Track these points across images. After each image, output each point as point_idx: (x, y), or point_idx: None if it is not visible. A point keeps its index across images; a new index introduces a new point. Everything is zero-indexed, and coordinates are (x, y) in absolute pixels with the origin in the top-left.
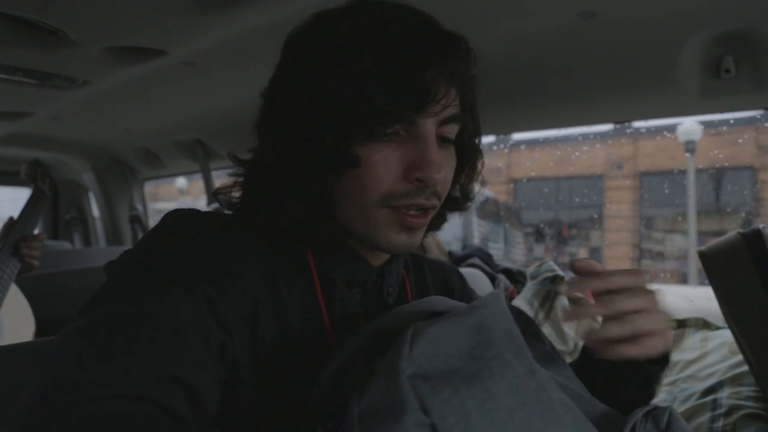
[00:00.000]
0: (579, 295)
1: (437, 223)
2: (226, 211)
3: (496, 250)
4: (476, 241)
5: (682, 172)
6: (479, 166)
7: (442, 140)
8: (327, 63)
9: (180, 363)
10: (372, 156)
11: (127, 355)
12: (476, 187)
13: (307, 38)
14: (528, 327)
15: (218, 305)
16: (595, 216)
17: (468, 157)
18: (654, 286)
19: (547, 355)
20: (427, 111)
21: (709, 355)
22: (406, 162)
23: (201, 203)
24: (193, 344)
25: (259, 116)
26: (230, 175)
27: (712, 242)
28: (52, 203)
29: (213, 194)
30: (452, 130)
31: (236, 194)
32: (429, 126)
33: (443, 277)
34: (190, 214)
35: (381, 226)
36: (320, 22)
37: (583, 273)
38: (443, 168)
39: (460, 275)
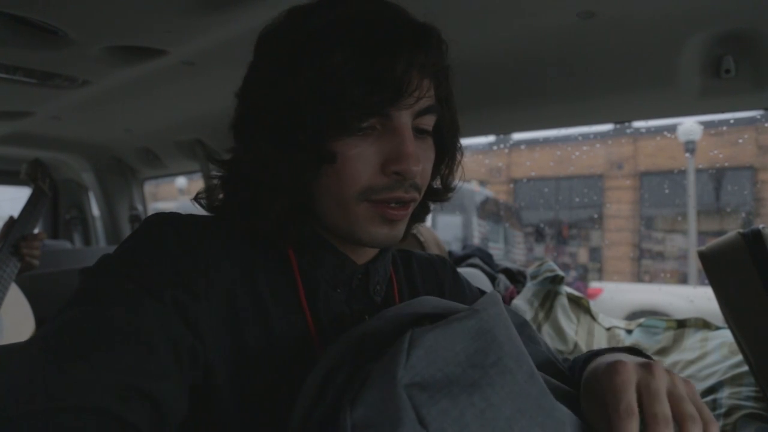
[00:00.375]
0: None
1: (420, 214)
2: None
3: (496, 250)
4: (476, 240)
5: (682, 172)
6: (458, 157)
7: (419, 132)
8: (298, 59)
9: (140, 372)
10: (348, 151)
11: (84, 364)
12: (457, 177)
13: (277, 35)
14: (521, 328)
15: (189, 309)
16: (595, 216)
17: (447, 149)
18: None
19: (542, 356)
20: (401, 103)
21: (709, 355)
22: (383, 156)
23: None
24: (157, 352)
25: (234, 116)
26: (212, 177)
27: (712, 242)
28: (52, 203)
29: (194, 198)
30: (428, 122)
31: (219, 196)
32: (404, 119)
33: (433, 272)
34: (168, 218)
35: (362, 220)
36: (290, 18)
37: None
38: (421, 160)
39: (452, 267)
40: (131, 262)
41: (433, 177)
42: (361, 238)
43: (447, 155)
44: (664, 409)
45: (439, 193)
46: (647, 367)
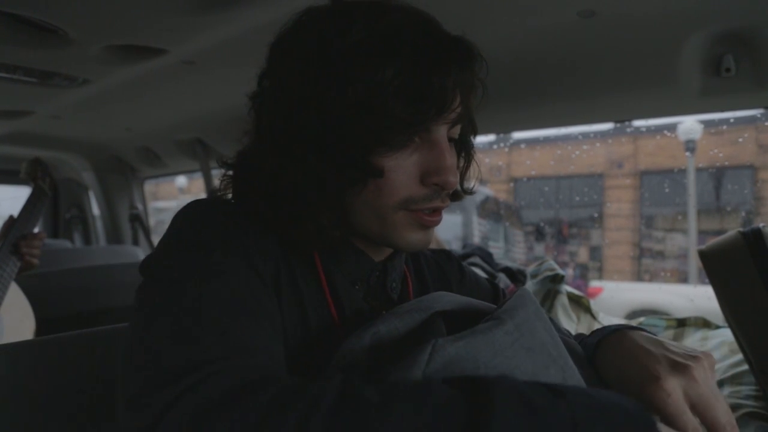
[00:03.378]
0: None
1: None
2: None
3: (497, 249)
4: (476, 240)
5: (683, 171)
6: (473, 156)
7: (448, 140)
8: (345, 71)
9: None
10: (389, 164)
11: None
12: (473, 182)
13: (307, 42)
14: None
15: (266, 278)
16: (596, 215)
17: (463, 149)
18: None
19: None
20: (443, 118)
21: None
22: (422, 167)
23: None
24: (261, 321)
25: (262, 122)
26: (223, 177)
27: (713, 241)
28: (52, 202)
29: (212, 194)
30: (457, 131)
31: (230, 194)
32: (442, 132)
33: (440, 271)
34: (211, 203)
35: (399, 227)
36: (318, 23)
37: None
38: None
39: (458, 263)
40: (200, 235)
41: None
42: (397, 243)
43: (464, 156)
44: (721, 416)
45: (458, 194)
46: (687, 374)
